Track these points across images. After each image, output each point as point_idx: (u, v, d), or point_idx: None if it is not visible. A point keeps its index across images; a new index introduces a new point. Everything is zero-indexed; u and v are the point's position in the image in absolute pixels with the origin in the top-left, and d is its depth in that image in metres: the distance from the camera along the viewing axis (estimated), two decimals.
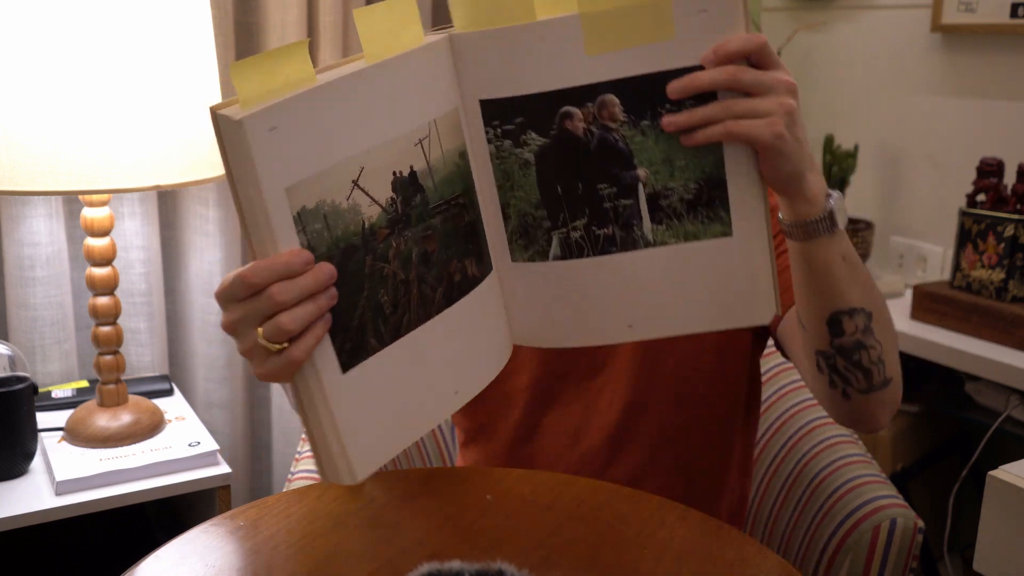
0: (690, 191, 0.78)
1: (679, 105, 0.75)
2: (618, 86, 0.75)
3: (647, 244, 0.80)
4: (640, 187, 0.78)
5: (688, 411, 1.08)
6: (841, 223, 0.84)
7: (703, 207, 0.79)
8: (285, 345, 0.69)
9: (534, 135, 0.77)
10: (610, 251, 0.80)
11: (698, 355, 1.07)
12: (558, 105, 0.76)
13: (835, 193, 0.84)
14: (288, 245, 0.67)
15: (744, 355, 1.10)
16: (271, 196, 0.65)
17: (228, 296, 0.70)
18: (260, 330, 0.68)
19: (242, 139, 0.63)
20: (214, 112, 0.63)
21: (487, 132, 0.79)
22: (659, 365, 1.07)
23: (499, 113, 0.77)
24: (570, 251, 0.81)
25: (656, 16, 0.73)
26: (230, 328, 0.71)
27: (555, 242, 0.81)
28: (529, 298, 0.85)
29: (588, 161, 0.78)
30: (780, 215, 0.85)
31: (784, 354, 1.04)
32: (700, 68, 0.74)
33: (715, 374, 1.09)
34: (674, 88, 0.75)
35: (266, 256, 0.67)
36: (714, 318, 0.83)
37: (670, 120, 0.75)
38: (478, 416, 1.12)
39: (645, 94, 0.75)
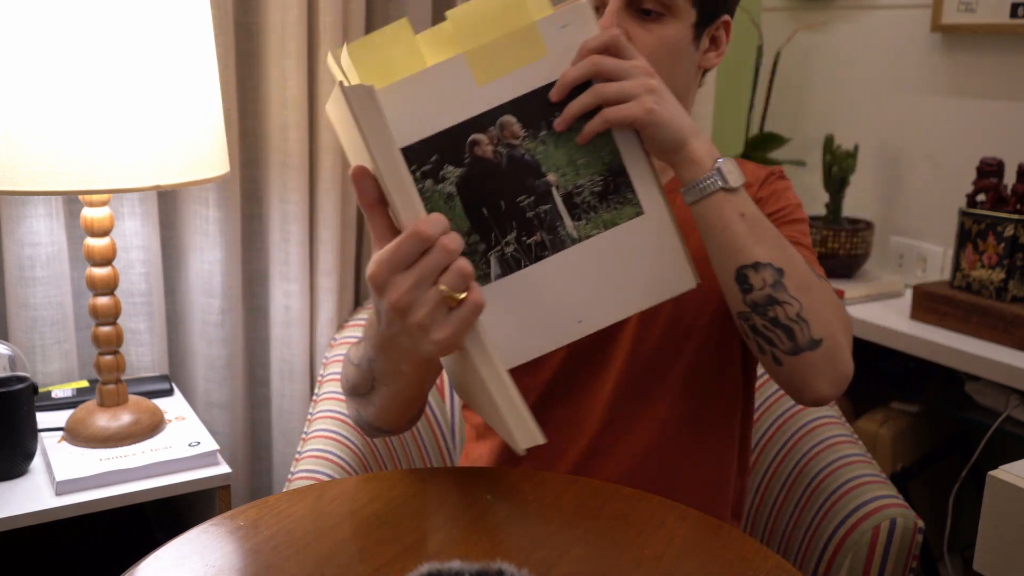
0: (597, 184, 0.88)
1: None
2: (512, 106, 0.84)
3: (574, 241, 0.88)
4: (554, 191, 0.87)
5: (688, 408, 1.08)
6: (733, 182, 0.90)
7: (612, 195, 0.88)
8: (465, 295, 0.74)
9: (451, 168, 0.84)
10: (544, 256, 0.88)
11: (697, 352, 1.08)
12: (465, 136, 0.83)
13: (725, 157, 0.91)
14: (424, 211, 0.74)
15: (739, 352, 1.11)
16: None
17: (398, 263, 0.73)
18: (441, 286, 0.73)
19: (376, 105, 0.69)
20: (345, 88, 0.68)
21: None
22: (659, 362, 1.07)
23: (415, 157, 0.83)
24: (509, 267, 0.87)
25: (527, 40, 0.83)
26: (404, 299, 0.73)
27: (493, 262, 0.87)
28: (484, 324, 0.89)
29: (503, 179, 0.85)
30: (682, 189, 0.92)
31: None
32: None
33: (714, 372, 1.09)
34: (553, 93, 0.85)
35: (415, 217, 0.73)
36: (647, 295, 0.91)
37: (558, 120, 0.85)
38: None
39: (536, 108, 0.85)
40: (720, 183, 0.90)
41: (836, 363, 0.92)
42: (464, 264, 0.74)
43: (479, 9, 0.83)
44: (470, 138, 0.84)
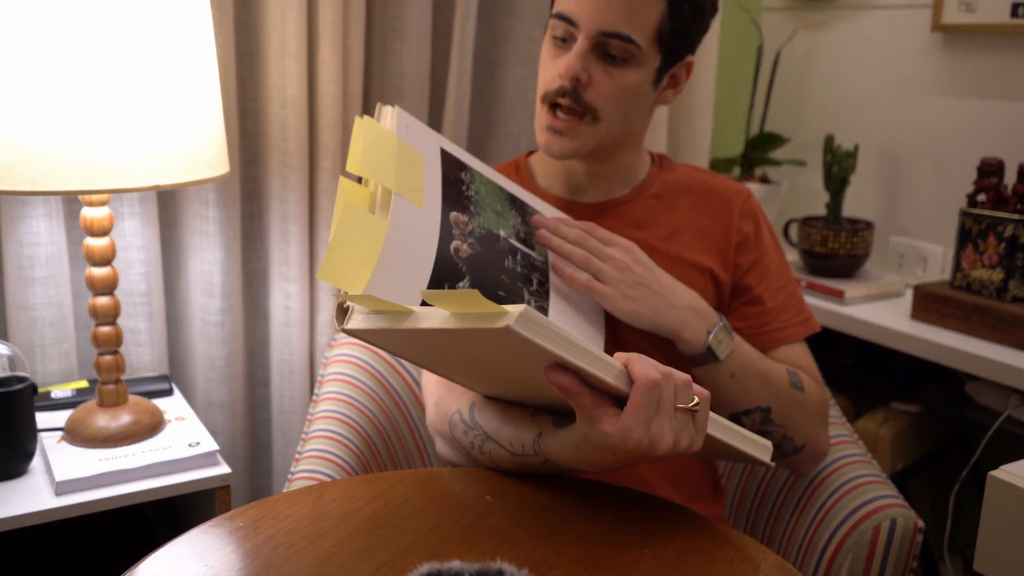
0: (515, 215, 1.02)
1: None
2: (445, 204, 0.93)
3: (545, 261, 1.01)
4: (512, 241, 0.98)
5: None
6: (723, 354, 1.02)
7: (525, 214, 1.01)
8: (696, 399, 0.80)
9: (460, 284, 0.91)
10: (546, 288, 0.99)
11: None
12: (448, 253, 0.90)
13: (716, 327, 1.02)
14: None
15: None
16: None
17: (648, 416, 0.77)
18: (680, 405, 0.78)
19: (541, 316, 0.73)
20: (512, 327, 0.70)
21: None
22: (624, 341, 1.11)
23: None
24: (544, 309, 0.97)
25: (406, 154, 0.91)
26: (669, 438, 0.78)
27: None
28: None
29: (489, 259, 0.94)
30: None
31: None
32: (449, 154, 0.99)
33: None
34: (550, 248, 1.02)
35: (620, 371, 0.77)
36: None
37: (556, 279, 1.01)
38: None
39: (455, 193, 0.96)
40: (711, 359, 1.02)
41: (816, 455, 1.13)
42: (684, 376, 0.79)
43: (370, 152, 0.88)
44: (451, 247, 0.91)
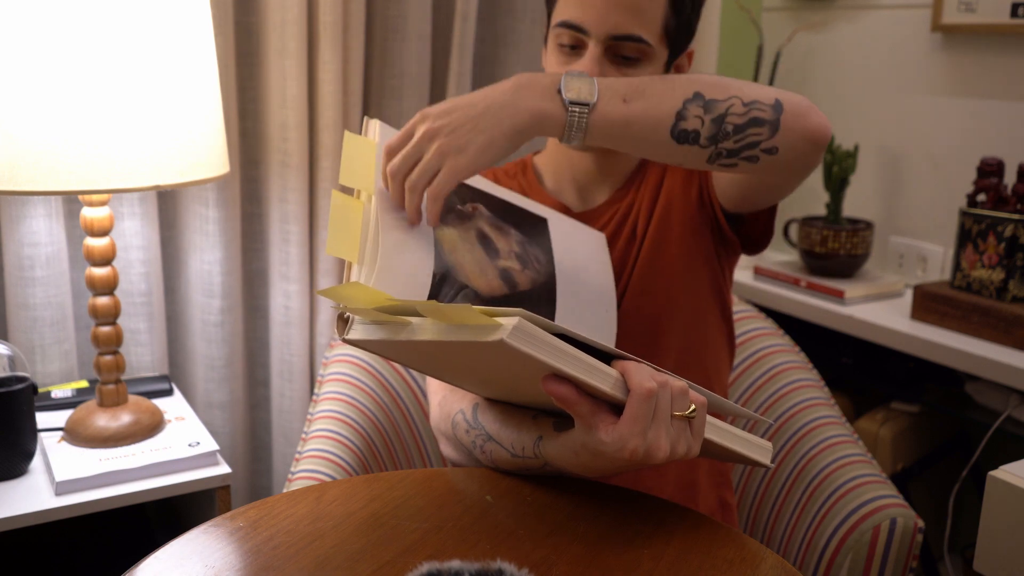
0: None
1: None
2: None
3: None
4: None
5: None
6: (589, 95, 0.87)
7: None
8: (693, 406, 0.78)
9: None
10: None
11: (680, 354, 1.10)
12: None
13: (560, 84, 0.87)
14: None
15: (724, 344, 1.18)
16: None
17: (644, 425, 0.76)
18: (677, 413, 0.78)
19: (534, 328, 0.71)
20: (506, 340, 0.69)
21: None
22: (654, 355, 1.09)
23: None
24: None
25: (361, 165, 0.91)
26: (666, 448, 0.77)
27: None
28: None
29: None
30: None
31: (746, 218, 1.13)
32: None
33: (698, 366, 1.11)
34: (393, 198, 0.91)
35: (617, 381, 0.76)
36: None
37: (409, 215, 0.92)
38: None
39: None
40: (585, 108, 0.87)
41: (800, 103, 0.92)
42: (680, 383, 0.78)
43: (355, 163, 0.90)
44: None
